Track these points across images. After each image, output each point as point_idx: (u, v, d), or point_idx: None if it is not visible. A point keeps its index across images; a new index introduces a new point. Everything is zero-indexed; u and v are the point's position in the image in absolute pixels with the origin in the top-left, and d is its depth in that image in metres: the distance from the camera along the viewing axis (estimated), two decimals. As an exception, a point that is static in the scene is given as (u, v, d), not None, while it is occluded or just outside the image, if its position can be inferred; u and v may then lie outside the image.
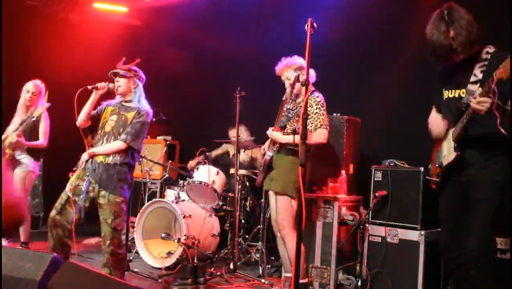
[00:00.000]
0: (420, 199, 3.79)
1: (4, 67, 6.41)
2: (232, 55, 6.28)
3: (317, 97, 3.71)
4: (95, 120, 3.70)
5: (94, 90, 3.63)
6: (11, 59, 6.71)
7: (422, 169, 3.78)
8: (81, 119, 3.64)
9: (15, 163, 4.75)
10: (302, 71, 3.68)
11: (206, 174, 4.86)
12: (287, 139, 3.62)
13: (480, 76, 2.65)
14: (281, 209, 3.64)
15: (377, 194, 3.98)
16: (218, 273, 4.38)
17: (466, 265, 2.72)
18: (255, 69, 5.84)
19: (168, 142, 6.47)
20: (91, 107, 3.64)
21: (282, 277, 3.89)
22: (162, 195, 5.84)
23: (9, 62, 6.63)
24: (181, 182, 5.24)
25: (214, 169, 4.95)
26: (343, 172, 4.29)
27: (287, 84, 3.81)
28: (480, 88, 2.60)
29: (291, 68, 3.78)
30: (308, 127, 3.59)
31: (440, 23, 2.71)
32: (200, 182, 4.86)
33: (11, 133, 4.67)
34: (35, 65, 6.71)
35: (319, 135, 3.63)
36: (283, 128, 3.73)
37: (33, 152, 4.77)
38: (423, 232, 3.69)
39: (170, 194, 5.32)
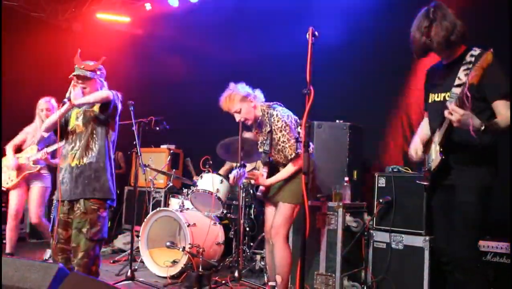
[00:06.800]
0: (424, 205, 3.78)
1: (8, 77, 6.46)
2: (235, 62, 6.31)
3: (278, 121, 3.49)
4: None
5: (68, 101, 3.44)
6: (15, 69, 6.77)
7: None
8: (49, 130, 3.56)
9: (36, 176, 4.95)
10: (248, 99, 3.56)
11: (210, 182, 4.87)
12: (281, 177, 3.57)
13: (464, 79, 2.62)
14: (283, 216, 3.58)
15: (381, 200, 3.99)
16: (223, 282, 4.38)
17: (454, 268, 2.76)
18: (258, 76, 5.86)
19: (171, 151, 6.49)
20: (60, 118, 3.48)
21: (266, 287, 3.88)
22: (166, 204, 5.86)
23: (12, 72, 6.69)
24: (185, 190, 5.25)
25: (218, 178, 4.96)
26: (347, 178, 4.29)
27: (237, 118, 3.60)
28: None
29: (236, 100, 3.55)
30: (283, 156, 3.55)
31: (424, 20, 2.73)
32: (204, 191, 4.87)
33: (34, 148, 4.87)
34: (38, 74, 6.78)
35: (292, 167, 3.53)
36: (267, 164, 3.69)
37: (52, 170, 5.00)
38: (427, 238, 3.69)
39: (175, 202, 5.33)
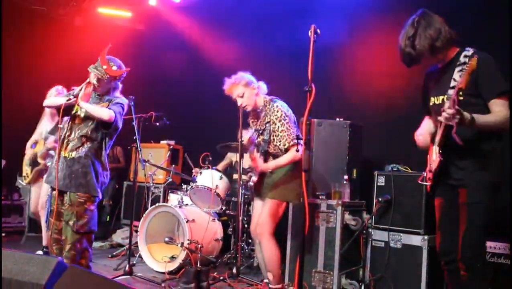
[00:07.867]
0: (423, 204, 3.78)
1: (9, 71, 6.45)
2: (237, 59, 6.30)
3: (277, 111, 3.68)
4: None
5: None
6: (16, 62, 6.75)
7: (425, 174, 3.78)
8: (48, 107, 3.62)
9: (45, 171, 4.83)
10: (252, 86, 3.75)
11: (209, 178, 4.87)
12: (279, 163, 3.69)
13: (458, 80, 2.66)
14: (269, 212, 3.67)
15: (380, 199, 3.99)
16: (221, 278, 4.39)
17: (459, 266, 2.74)
18: (260, 73, 5.84)
19: (171, 147, 6.50)
20: (62, 108, 3.39)
21: (263, 283, 3.92)
22: (165, 200, 5.86)
23: (14, 66, 6.67)
24: (184, 186, 5.25)
25: (217, 174, 4.96)
26: (346, 177, 4.29)
27: (239, 102, 3.78)
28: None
29: (240, 85, 3.75)
30: (277, 145, 3.68)
31: (409, 30, 2.78)
32: (204, 187, 4.87)
33: (42, 142, 4.76)
34: (39, 68, 6.76)
35: (290, 154, 3.65)
36: (265, 153, 3.76)
37: None
38: (426, 237, 3.69)
39: (174, 198, 5.33)
